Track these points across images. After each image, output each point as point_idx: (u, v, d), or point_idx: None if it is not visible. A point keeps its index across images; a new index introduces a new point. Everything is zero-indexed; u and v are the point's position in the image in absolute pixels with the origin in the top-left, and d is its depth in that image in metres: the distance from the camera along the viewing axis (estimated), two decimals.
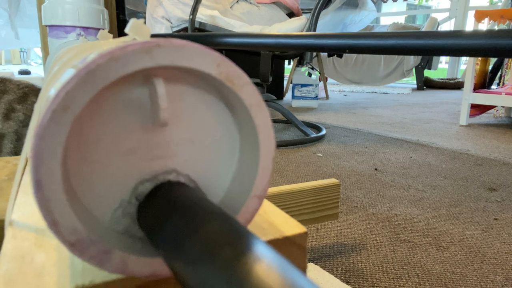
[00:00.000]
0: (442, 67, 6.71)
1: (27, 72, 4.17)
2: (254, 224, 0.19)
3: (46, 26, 0.68)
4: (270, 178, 0.16)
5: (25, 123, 0.79)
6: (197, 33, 1.31)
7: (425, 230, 0.79)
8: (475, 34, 0.38)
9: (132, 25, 0.18)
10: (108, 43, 0.18)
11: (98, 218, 0.15)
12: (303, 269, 0.18)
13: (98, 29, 0.68)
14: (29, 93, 0.81)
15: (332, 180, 0.68)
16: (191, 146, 0.16)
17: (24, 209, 0.20)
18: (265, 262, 0.09)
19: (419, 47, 0.39)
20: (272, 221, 0.19)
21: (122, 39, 0.18)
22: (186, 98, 0.15)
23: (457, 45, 0.37)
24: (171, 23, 1.75)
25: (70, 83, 0.11)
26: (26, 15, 2.29)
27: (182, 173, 0.16)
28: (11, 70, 3.79)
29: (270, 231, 0.18)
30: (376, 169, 1.21)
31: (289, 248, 0.17)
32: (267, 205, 0.21)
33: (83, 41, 0.52)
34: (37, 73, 4.20)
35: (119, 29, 0.99)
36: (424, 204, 0.93)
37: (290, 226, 0.18)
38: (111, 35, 0.28)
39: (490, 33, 0.37)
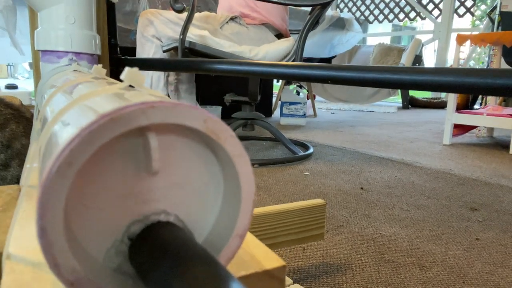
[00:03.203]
0: None
1: (14, 87, 4.13)
2: (236, 257, 0.20)
3: (39, 50, 0.70)
4: (251, 219, 0.17)
5: (0, 151, 0.80)
6: (188, 59, 1.33)
7: (408, 250, 0.81)
8: (450, 71, 0.41)
9: (127, 73, 0.20)
10: (108, 89, 0.19)
11: (93, 256, 0.16)
12: None
13: (90, 54, 0.70)
14: (10, 119, 0.81)
15: (318, 201, 0.70)
16: (180, 189, 0.18)
17: (21, 242, 0.21)
18: None
19: (397, 81, 0.41)
20: (253, 254, 0.20)
21: (120, 85, 0.20)
22: (176, 147, 0.17)
23: (432, 81, 0.39)
24: (162, 42, 1.77)
25: (74, 141, 0.13)
26: (20, 31, 2.31)
27: (171, 213, 0.18)
28: None
29: (251, 264, 0.19)
30: (362, 188, 1.24)
31: (268, 281, 0.19)
32: (249, 237, 0.22)
33: (76, 67, 0.53)
34: (24, 87, 4.16)
35: (110, 53, 1.01)
36: (408, 223, 0.95)
37: (270, 260, 0.20)
38: (105, 71, 0.30)
39: (463, 71, 0.40)
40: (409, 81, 0.39)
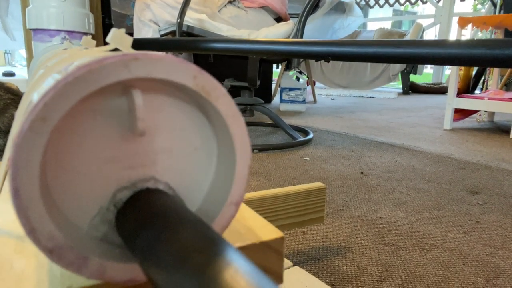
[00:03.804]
0: (427, 72, 6.83)
1: (11, 74, 4.10)
2: (232, 229, 0.19)
3: (31, 29, 0.68)
4: (246, 185, 0.16)
5: None
6: (185, 38, 1.31)
7: (408, 233, 0.80)
8: (454, 43, 0.39)
9: (113, 34, 0.18)
10: (89, 52, 0.18)
11: (77, 225, 0.15)
12: (279, 272, 0.18)
13: (83, 33, 0.68)
14: (11, 104, 0.80)
15: (318, 184, 0.69)
16: (170, 154, 0.16)
17: (4, 215, 0.20)
18: (234, 267, 0.09)
19: (399, 55, 0.40)
20: (249, 226, 0.19)
21: (104, 48, 0.19)
22: (164, 108, 0.16)
23: (436, 54, 0.38)
24: (159, 26, 1.74)
25: (48, 94, 0.12)
26: (13, 16, 2.27)
27: (160, 180, 0.16)
28: None
29: (248, 236, 0.18)
30: (362, 173, 1.23)
31: (266, 252, 0.18)
32: (245, 210, 0.21)
33: (68, 45, 0.52)
34: (21, 75, 4.13)
35: (104, 33, 0.99)
36: (408, 207, 0.94)
37: (267, 231, 0.19)
38: (95, 42, 0.28)
39: (468, 43, 0.39)
40: (413, 55, 0.38)
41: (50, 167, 0.14)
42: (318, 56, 0.49)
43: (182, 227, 0.12)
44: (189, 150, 0.17)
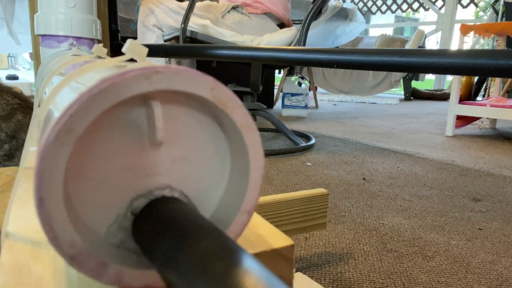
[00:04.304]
0: (429, 78, 6.84)
1: (15, 77, 4.12)
2: (243, 237, 0.19)
3: (39, 35, 0.69)
4: (259, 194, 0.17)
5: (4, 141, 0.80)
6: (190, 45, 1.32)
7: (411, 239, 0.80)
8: (457, 53, 0.40)
9: (129, 45, 0.19)
10: (107, 62, 0.18)
11: (95, 232, 0.16)
12: (290, 280, 0.19)
13: (91, 39, 0.69)
14: (18, 110, 0.81)
15: (321, 190, 0.69)
16: (185, 163, 0.17)
17: (20, 221, 0.21)
18: (253, 275, 0.10)
19: (403, 64, 0.40)
20: (260, 233, 0.20)
21: (120, 58, 0.19)
22: (181, 118, 0.16)
23: (439, 63, 0.38)
24: (163, 31, 1.76)
25: (73, 106, 0.12)
26: (19, 20, 2.31)
27: (176, 189, 0.17)
28: None
29: (259, 243, 0.19)
30: (364, 179, 1.23)
31: (277, 260, 0.18)
32: (255, 218, 0.22)
33: (76, 51, 0.53)
34: (25, 78, 4.15)
35: (111, 39, 1.00)
36: (410, 213, 0.94)
37: (278, 239, 0.19)
38: (106, 50, 0.29)
39: (471, 53, 0.39)
40: (416, 64, 0.39)
41: (71, 175, 0.15)
42: (323, 64, 0.49)
43: (200, 234, 0.12)
44: (204, 159, 0.17)
